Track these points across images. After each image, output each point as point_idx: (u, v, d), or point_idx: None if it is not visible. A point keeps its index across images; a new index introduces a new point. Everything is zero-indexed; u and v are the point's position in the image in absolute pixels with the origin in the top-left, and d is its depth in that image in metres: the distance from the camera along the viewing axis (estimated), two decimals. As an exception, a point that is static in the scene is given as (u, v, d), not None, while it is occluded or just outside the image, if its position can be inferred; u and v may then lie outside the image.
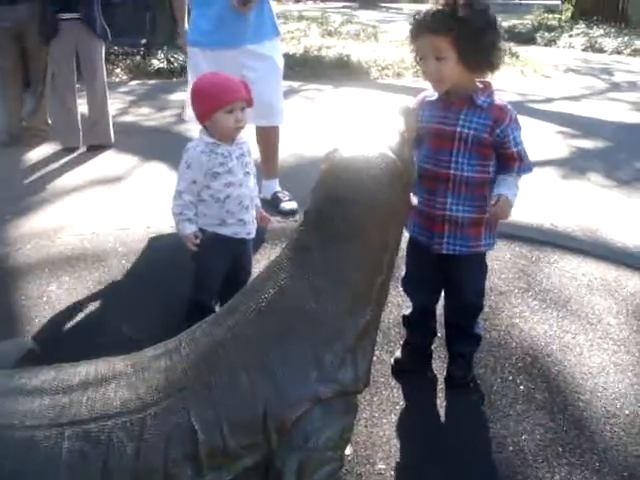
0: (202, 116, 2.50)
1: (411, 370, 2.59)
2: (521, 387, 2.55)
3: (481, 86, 2.27)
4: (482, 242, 2.35)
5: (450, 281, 2.47)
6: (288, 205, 4.12)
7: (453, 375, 2.55)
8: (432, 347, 2.66)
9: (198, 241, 2.50)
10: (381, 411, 2.40)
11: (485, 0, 2.22)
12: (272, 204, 4.09)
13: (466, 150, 2.24)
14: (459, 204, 2.28)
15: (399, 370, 2.59)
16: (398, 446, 2.25)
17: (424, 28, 2.18)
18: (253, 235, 2.66)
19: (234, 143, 2.54)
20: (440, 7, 2.15)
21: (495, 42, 2.21)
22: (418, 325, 2.60)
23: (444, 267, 2.43)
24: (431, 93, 2.35)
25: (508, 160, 2.25)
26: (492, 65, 2.23)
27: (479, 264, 2.45)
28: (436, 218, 2.31)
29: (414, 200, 2.15)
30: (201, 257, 2.56)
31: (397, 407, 2.42)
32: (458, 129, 2.23)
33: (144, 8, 10.22)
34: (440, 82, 2.23)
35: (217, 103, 2.43)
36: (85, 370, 1.76)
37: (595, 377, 2.61)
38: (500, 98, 2.30)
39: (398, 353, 2.63)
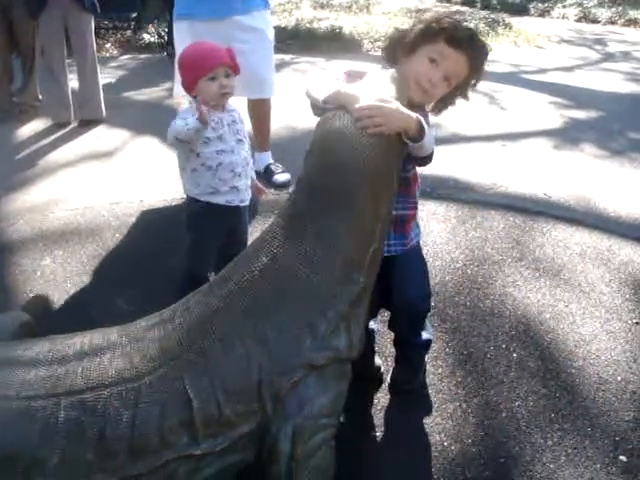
0: (188, 87, 2.49)
1: None
2: (514, 355, 2.57)
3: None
4: (412, 234, 2.23)
5: (393, 287, 2.24)
6: (281, 177, 4.11)
7: (396, 380, 2.39)
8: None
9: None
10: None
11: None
12: (265, 176, 4.07)
13: None
14: None
15: None
16: (392, 412, 2.27)
17: (463, 45, 1.95)
18: (247, 203, 2.65)
19: (225, 110, 2.53)
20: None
21: None
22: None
23: (383, 276, 2.18)
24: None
25: None
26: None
27: (417, 260, 2.29)
28: None
29: None
30: (195, 227, 2.56)
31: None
32: None
33: (134, -19, 10.07)
34: (423, 94, 2.01)
35: (198, 71, 2.43)
36: (80, 341, 1.77)
37: (587, 344, 2.64)
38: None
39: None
